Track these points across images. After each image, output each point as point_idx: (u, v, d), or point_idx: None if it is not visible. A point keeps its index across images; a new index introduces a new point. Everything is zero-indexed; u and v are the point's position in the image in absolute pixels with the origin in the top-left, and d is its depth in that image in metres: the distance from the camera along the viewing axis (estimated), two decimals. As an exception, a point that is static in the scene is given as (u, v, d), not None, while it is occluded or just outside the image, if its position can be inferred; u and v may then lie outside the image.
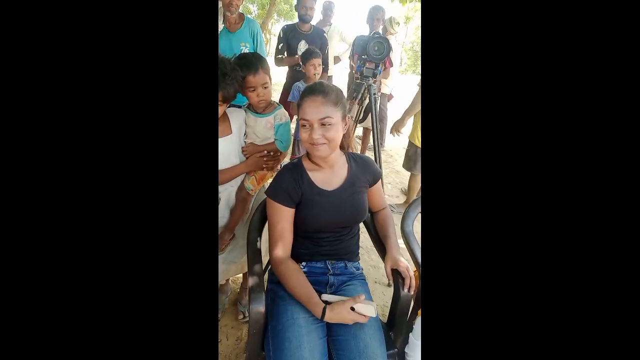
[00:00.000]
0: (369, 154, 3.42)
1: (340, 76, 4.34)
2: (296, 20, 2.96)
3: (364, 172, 1.11)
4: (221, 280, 1.49)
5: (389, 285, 1.90)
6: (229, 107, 1.25)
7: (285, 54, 2.86)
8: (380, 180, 1.17)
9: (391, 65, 3.34)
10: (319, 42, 2.78)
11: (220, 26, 2.40)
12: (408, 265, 1.04)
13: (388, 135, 3.38)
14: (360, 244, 1.20)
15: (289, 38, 2.82)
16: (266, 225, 1.11)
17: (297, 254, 1.07)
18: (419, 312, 1.12)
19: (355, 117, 2.38)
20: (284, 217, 1.01)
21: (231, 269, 1.38)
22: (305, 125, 0.97)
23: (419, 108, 2.41)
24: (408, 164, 2.62)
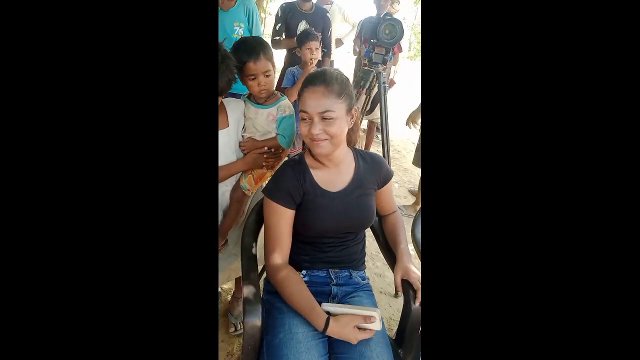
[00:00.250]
0: (373, 150, 3.14)
1: (341, 61, 4.10)
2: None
3: (374, 172, 1.02)
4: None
5: (395, 296, 1.79)
6: (226, 97, 1.14)
7: (284, 35, 2.58)
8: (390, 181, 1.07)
9: (400, 50, 3.07)
10: (321, 23, 2.52)
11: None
12: (420, 276, 0.94)
13: (394, 129, 2.96)
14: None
15: (287, 18, 2.53)
16: (262, 229, 1.01)
17: (296, 261, 0.98)
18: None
19: (362, 108, 2.23)
20: (282, 219, 0.92)
21: (221, 277, 1.27)
22: (305, 119, 0.88)
23: None
24: (420, 161, 2.29)
